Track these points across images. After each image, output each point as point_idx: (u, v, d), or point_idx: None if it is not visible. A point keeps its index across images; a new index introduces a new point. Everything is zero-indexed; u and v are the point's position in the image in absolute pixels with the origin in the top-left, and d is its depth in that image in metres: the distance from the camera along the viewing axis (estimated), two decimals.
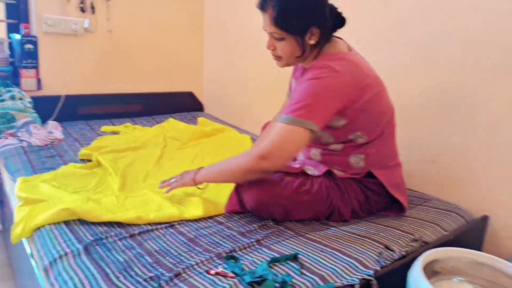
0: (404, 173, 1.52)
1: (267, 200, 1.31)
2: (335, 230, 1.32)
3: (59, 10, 2.45)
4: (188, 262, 1.09)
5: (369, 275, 1.05)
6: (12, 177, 1.63)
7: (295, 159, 1.60)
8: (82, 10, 2.53)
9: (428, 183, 1.74)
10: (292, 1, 1.31)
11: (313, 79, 1.30)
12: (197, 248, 1.17)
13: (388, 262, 1.13)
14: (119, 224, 1.28)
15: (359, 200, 1.41)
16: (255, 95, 2.68)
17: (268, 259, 1.11)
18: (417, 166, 1.78)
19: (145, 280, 1.00)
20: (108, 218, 1.27)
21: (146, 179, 1.71)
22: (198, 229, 1.30)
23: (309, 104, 1.26)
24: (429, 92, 1.70)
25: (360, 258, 1.13)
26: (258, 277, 1.01)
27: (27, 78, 2.40)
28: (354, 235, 1.28)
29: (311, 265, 1.09)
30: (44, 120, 2.37)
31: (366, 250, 1.18)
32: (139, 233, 1.23)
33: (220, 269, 1.06)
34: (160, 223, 1.31)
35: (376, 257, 1.15)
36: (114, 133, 2.37)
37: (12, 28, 2.51)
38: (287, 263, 1.10)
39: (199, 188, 1.49)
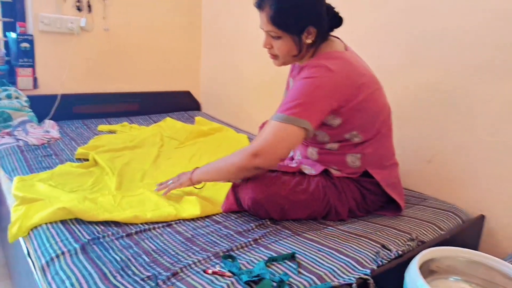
0: (400, 172, 1.53)
1: (264, 200, 1.31)
2: (332, 229, 1.33)
3: (56, 9, 2.44)
4: (186, 261, 1.09)
5: (366, 274, 1.05)
6: (9, 176, 1.62)
7: (292, 158, 1.60)
8: (79, 9, 2.52)
9: (425, 183, 1.75)
10: (289, 0, 1.31)
11: (307, 78, 1.30)
12: (194, 247, 1.17)
13: (385, 261, 1.14)
14: (116, 224, 1.28)
15: (356, 200, 1.41)
16: (252, 94, 2.68)
17: (266, 258, 1.11)
18: (414, 166, 1.78)
19: (142, 279, 1.00)
20: (105, 217, 1.27)
21: (143, 178, 1.71)
22: (196, 228, 1.30)
23: (303, 102, 1.27)
24: (425, 92, 1.71)
25: (357, 257, 1.14)
26: (255, 276, 1.01)
27: (23, 77, 2.39)
28: (351, 234, 1.28)
29: (308, 264, 1.10)
30: (40, 119, 2.36)
31: (363, 249, 1.19)
32: (136, 232, 1.23)
33: (217, 268, 1.06)
34: (157, 222, 1.30)
35: (373, 256, 1.15)
36: (110, 132, 2.37)
37: (8, 27, 2.50)
38: (285, 262, 1.11)
39: (196, 188, 1.50)
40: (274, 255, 1.13)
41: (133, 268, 1.05)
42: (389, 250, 1.19)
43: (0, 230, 1.80)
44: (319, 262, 1.11)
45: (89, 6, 2.55)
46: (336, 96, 1.30)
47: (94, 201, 1.36)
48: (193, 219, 1.35)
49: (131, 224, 1.28)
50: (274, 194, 1.32)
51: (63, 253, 1.08)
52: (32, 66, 2.41)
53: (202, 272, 1.03)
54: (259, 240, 1.23)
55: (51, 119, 2.43)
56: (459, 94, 1.60)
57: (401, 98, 1.77)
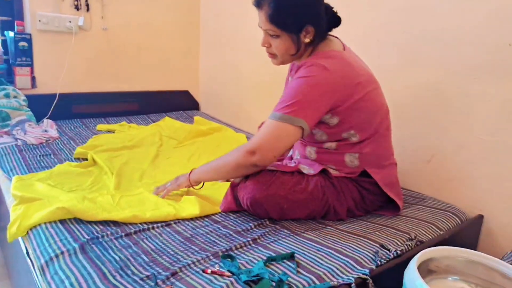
0: (399, 172, 1.53)
1: (263, 199, 1.32)
2: (331, 229, 1.33)
3: (53, 8, 2.44)
4: (185, 261, 1.09)
5: (365, 274, 1.05)
6: (7, 175, 1.62)
7: (291, 158, 1.61)
8: (77, 8, 2.51)
9: (423, 183, 1.75)
10: None
11: (304, 77, 1.31)
12: (193, 247, 1.17)
13: (384, 261, 1.14)
14: (115, 223, 1.27)
15: (355, 199, 1.42)
16: (251, 94, 2.68)
17: (265, 258, 1.11)
18: (412, 166, 1.78)
19: (141, 279, 1.00)
20: (103, 217, 1.27)
21: (142, 178, 1.71)
22: (195, 228, 1.30)
23: (298, 101, 1.28)
24: (425, 92, 1.71)
25: (356, 257, 1.14)
26: (254, 276, 1.01)
27: (22, 76, 2.39)
28: (350, 234, 1.28)
29: (307, 264, 1.10)
30: (38, 119, 2.35)
31: (362, 249, 1.19)
32: (135, 232, 1.23)
33: (216, 268, 1.06)
34: (156, 222, 1.30)
35: (372, 256, 1.15)
36: (109, 131, 2.36)
37: (6, 26, 2.49)
38: (284, 262, 1.11)
39: (195, 189, 1.50)
40: (273, 254, 1.13)
41: (132, 267, 1.05)
42: (388, 250, 1.20)
43: None
44: (318, 261, 1.11)
45: (87, 5, 2.54)
46: (332, 95, 1.30)
47: (93, 201, 1.36)
48: (192, 219, 1.35)
49: (130, 223, 1.28)
50: (273, 193, 1.32)
51: (62, 252, 1.08)
52: (30, 65, 2.41)
53: (201, 272, 1.03)
54: (258, 240, 1.23)
55: (49, 118, 2.43)
56: (458, 94, 1.60)
57: (401, 98, 1.77)
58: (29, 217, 1.25)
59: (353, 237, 1.26)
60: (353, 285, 1.01)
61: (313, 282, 1.02)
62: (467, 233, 1.50)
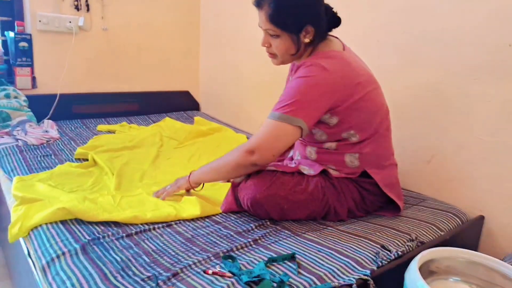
0: (400, 172, 1.53)
1: (263, 200, 1.32)
2: (332, 229, 1.33)
3: (54, 8, 2.44)
4: (186, 261, 1.09)
5: (366, 275, 1.05)
6: (8, 176, 1.62)
7: (291, 159, 1.61)
8: (77, 8, 2.51)
9: (424, 183, 1.75)
10: None
11: (303, 77, 1.32)
12: (194, 247, 1.17)
13: (385, 262, 1.14)
14: (116, 224, 1.27)
15: (355, 200, 1.42)
16: (252, 94, 2.68)
17: (266, 258, 1.11)
18: (413, 166, 1.78)
19: (142, 279, 1.00)
20: (104, 217, 1.27)
21: (143, 178, 1.71)
22: (196, 228, 1.30)
23: (297, 101, 1.29)
24: (425, 92, 1.71)
25: (357, 258, 1.14)
26: (255, 277, 1.01)
27: (22, 76, 2.39)
28: (350, 235, 1.28)
29: (308, 264, 1.10)
30: (39, 119, 2.35)
31: (363, 249, 1.19)
32: (136, 233, 1.23)
33: (217, 269, 1.06)
34: (157, 223, 1.30)
35: (373, 257, 1.16)
36: (110, 132, 2.36)
37: (6, 26, 2.49)
38: (285, 262, 1.11)
39: (195, 191, 1.50)
40: (274, 255, 1.13)
41: (133, 268, 1.05)
42: (389, 250, 1.20)
43: (0, 230, 1.79)
44: (319, 262, 1.11)
45: (87, 5, 2.54)
46: (331, 95, 1.30)
47: (94, 201, 1.36)
48: (193, 220, 1.35)
49: (131, 224, 1.28)
50: (273, 194, 1.32)
51: (63, 253, 1.08)
52: (31, 65, 2.41)
53: (202, 273, 1.03)
54: (259, 241, 1.23)
55: (50, 118, 2.43)
56: (458, 94, 1.60)
57: (401, 98, 1.77)
58: (30, 218, 1.25)
59: (354, 238, 1.26)
60: (354, 286, 1.01)
61: (314, 283, 1.02)
62: (468, 234, 1.50)
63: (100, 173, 1.70)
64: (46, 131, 2.19)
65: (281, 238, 1.25)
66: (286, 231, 1.30)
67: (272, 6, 1.32)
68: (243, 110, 2.77)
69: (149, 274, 1.02)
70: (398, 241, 1.26)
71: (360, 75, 1.36)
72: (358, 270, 1.09)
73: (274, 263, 1.10)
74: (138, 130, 2.40)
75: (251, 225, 1.32)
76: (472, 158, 1.59)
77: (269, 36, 1.39)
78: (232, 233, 1.27)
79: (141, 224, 1.29)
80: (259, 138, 1.32)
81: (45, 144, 2.02)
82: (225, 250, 1.16)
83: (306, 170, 1.40)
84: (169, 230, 1.27)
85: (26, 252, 1.20)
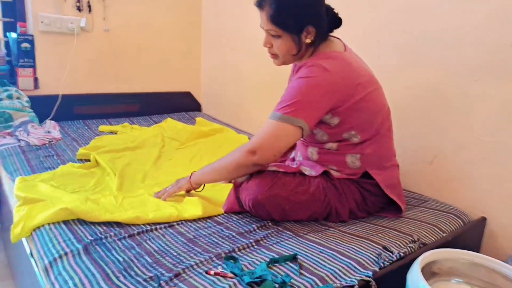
0: (401, 173, 1.53)
1: (265, 200, 1.32)
2: (333, 230, 1.33)
3: (56, 9, 2.44)
4: (188, 262, 1.09)
5: (368, 276, 1.05)
6: (11, 176, 1.63)
7: (293, 159, 1.61)
8: (79, 9, 2.52)
9: (425, 184, 1.75)
10: None
11: (304, 77, 1.32)
12: (196, 248, 1.17)
13: (386, 263, 1.14)
14: (118, 224, 1.28)
15: (356, 201, 1.42)
16: (253, 95, 2.68)
17: (267, 259, 1.11)
18: (414, 167, 1.78)
19: (145, 280, 1.00)
20: (106, 218, 1.27)
21: (144, 179, 1.71)
22: (197, 229, 1.30)
23: (298, 101, 1.29)
24: (425, 92, 1.71)
25: (359, 259, 1.14)
26: (257, 278, 1.01)
27: (24, 77, 2.39)
28: (352, 236, 1.28)
29: (310, 265, 1.10)
30: (41, 120, 2.36)
31: (365, 251, 1.19)
32: (138, 233, 1.23)
33: (219, 269, 1.06)
34: (159, 223, 1.31)
35: (375, 258, 1.15)
36: (111, 132, 2.37)
37: (8, 27, 2.50)
38: (286, 263, 1.11)
39: (196, 191, 1.50)
40: (276, 256, 1.13)
41: (135, 268, 1.05)
42: (391, 252, 1.20)
43: (2, 230, 1.80)
44: (321, 263, 1.11)
45: (89, 7, 2.55)
46: (332, 95, 1.31)
47: (96, 202, 1.36)
48: (194, 220, 1.35)
49: (133, 225, 1.28)
50: (275, 194, 1.32)
51: (66, 253, 1.09)
52: (33, 66, 2.41)
53: (204, 273, 1.04)
54: (261, 242, 1.23)
55: (52, 119, 2.43)
56: (458, 94, 1.60)
57: (401, 99, 1.77)
58: (33, 218, 1.25)
59: (356, 239, 1.26)
60: (356, 287, 1.01)
61: (316, 284, 1.02)
62: (470, 235, 1.50)
63: (102, 173, 1.70)
64: (48, 132, 2.19)
65: (283, 239, 1.25)
66: (288, 232, 1.30)
67: (273, 6, 1.33)
68: (244, 111, 2.77)
69: (151, 275, 1.02)
70: (400, 242, 1.26)
71: (361, 75, 1.36)
72: (360, 271, 1.09)
73: (276, 264, 1.10)
74: (140, 130, 2.41)
75: (253, 226, 1.33)
76: (472, 158, 1.59)
77: (271, 36, 1.39)
78: (234, 234, 1.27)
79: (143, 224, 1.29)
80: (260, 138, 1.32)
81: (47, 145, 2.03)
82: (227, 251, 1.16)
83: (308, 171, 1.41)
84: (171, 230, 1.28)
85: (28, 252, 1.20)
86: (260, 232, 1.30)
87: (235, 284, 0.98)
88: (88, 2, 2.54)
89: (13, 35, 2.38)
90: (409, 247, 1.24)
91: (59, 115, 2.48)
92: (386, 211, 1.48)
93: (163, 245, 1.18)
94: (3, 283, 1.72)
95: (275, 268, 1.08)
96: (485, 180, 1.56)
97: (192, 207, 1.39)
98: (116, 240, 1.18)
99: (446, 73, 1.63)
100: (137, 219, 1.29)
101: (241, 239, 1.24)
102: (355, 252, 1.17)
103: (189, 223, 1.33)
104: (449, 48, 1.62)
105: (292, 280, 1.02)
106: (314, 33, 1.36)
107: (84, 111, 2.61)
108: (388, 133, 1.47)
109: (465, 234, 1.45)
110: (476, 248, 1.57)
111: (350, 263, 1.12)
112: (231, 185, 1.46)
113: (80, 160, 1.86)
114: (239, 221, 1.36)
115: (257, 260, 1.11)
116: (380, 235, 1.30)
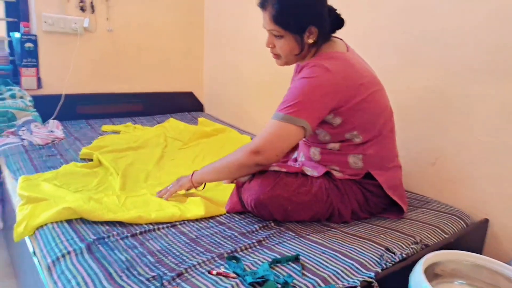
0: (404, 174, 1.53)
1: (267, 200, 1.32)
2: (336, 231, 1.33)
3: (59, 9, 2.45)
4: (190, 262, 1.09)
5: (370, 277, 1.05)
6: (14, 175, 1.63)
7: (296, 160, 1.61)
8: (82, 9, 2.53)
9: (428, 185, 1.75)
10: None
11: (306, 77, 1.33)
12: (199, 248, 1.18)
13: (389, 264, 1.14)
14: (121, 224, 1.28)
15: (359, 202, 1.42)
16: (255, 95, 2.68)
17: (270, 260, 1.11)
18: (417, 168, 1.78)
19: (147, 279, 1.00)
20: (109, 217, 1.28)
21: (147, 179, 1.71)
22: (200, 229, 1.30)
23: (300, 102, 1.30)
24: (426, 93, 1.71)
25: (361, 260, 1.14)
26: (259, 278, 1.01)
27: (27, 77, 2.40)
28: (355, 237, 1.28)
29: (313, 266, 1.10)
30: (44, 119, 2.37)
31: (367, 252, 1.19)
32: (141, 233, 1.24)
33: (222, 269, 1.06)
34: (161, 223, 1.31)
35: (377, 259, 1.15)
36: (114, 132, 2.37)
37: (12, 27, 2.50)
38: (289, 264, 1.11)
39: (197, 191, 1.51)
40: (278, 256, 1.13)
41: (138, 268, 1.05)
42: (393, 253, 1.19)
43: (5, 229, 1.80)
44: (323, 264, 1.11)
45: (92, 7, 2.56)
46: (334, 96, 1.31)
47: (99, 201, 1.36)
48: (197, 220, 1.36)
49: (136, 224, 1.28)
50: (277, 195, 1.32)
51: (68, 252, 1.09)
52: (36, 66, 2.42)
53: (206, 273, 1.04)
54: (263, 242, 1.23)
55: (55, 119, 2.44)
56: (458, 94, 1.60)
57: (403, 99, 1.77)
58: (36, 217, 1.26)
59: (358, 240, 1.26)
60: None
61: (318, 284, 1.02)
62: (472, 236, 1.50)
63: (105, 173, 1.71)
64: (51, 131, 2.20)
65: (285, 240, 1.25)
66: (290, 233, 1.30)
67: (276, 7, 1.33)
68: (246, 111, 2.77)
69: (153, 274, 1.02)
70: (403, 243, 1.26)
71: (363, 76, 1.36)
72: (363, 272, 1.09)
73: (278, 264, 1.10)
74: (142, 130, 2.41)
75: (255, 226, 1.33)
76: (472, 158, 1.59)
77: (273, 36, 1.40)
78: (236, 234, 1.27)
79: (146, 224, 1.29)
80: (263, 138, 1.32)
81: (50, 144, 2.03)
82: (229, 251, 1.16)
83: (310, 171, 1.41)
84: (173, 230, 1.28)
85: (31, 251, 1.20)
86: (262, 232, 1.30)
87: (237, 284, 0.98)
88: (92, 2, 2.55)
89: (17, 35, 2.39)
90: (412, 248, 1.23)
91: (62, 114, 2.49)
92: (388, 212, 1.48)
93: (166, 244, 1.19)
94: (6, 282, 1.72)
95: (277, 269, 1.08)
96: (487, 181, 1.56)
97: (194, 207, 1.39)
98: (119, 240, 1.18)
99: (446, 73, 1.63)
100: (139, 219, 1.29)
101: (243, 239, 1.24)
102: (358, 253, 1.17)
103: (192, 223, 1.33)
104: (449, 48, 1.62)
105: (294, 281, 1.02)
106: (317, 33, 1.36)
107: (87, 111, 2.62)
108: (390, 134, 1.47)
109: (467, 235, 1.45)
110: (478, 249, 1.56)
111: (352, 264, 1.12)
112: (233, 185, 1.46)
113: (83, 160, 1.87)
114: (241, 221, 1.37)
115: (259, 260, 1.11)
116: (382, 236, 1.30)
